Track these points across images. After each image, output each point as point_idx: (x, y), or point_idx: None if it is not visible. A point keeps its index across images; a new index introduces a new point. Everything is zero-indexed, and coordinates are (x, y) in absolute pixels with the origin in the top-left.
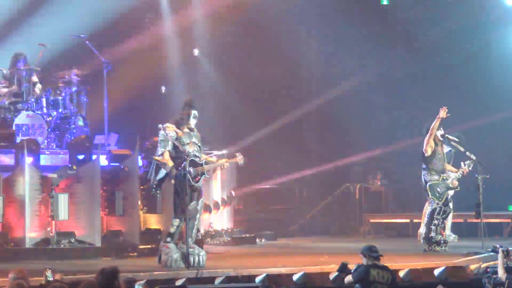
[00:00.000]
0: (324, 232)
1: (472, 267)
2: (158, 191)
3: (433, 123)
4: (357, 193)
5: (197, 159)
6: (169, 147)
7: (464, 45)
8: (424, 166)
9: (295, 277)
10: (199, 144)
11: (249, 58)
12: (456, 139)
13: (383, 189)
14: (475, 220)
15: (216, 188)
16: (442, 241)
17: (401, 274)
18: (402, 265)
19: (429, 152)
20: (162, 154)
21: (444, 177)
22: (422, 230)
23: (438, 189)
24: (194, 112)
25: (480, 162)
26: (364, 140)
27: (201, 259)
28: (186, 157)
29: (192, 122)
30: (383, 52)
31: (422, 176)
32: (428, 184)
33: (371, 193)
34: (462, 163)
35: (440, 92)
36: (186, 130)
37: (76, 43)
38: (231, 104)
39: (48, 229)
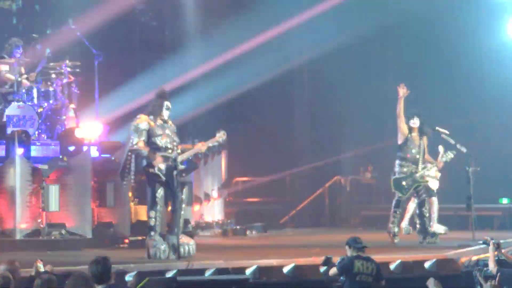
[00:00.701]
0: (314, 224)
1: (463, 259)
2: (132, 179)
3: (397, 106)
4: (348, 186)
5: (167, 152)
6: (143, 137)
7: (456, 38)
8: (397, 154)
9: (285, 269)
10: (173, 136)
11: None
12: (446, 132)
13: (374, 182)
14: (465, 213)
15: (207, 180)
16: (394, 234)
17: (392, 266)
18: (393, 258)
19: (401, 139)
20: (136, 144)
21: (413, 170)
22: (403, 224)
23: (404, 183)
24: (166, 104)
25: (471, 154)
26: (356, 133)
27: (191, 249)
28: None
29: (165, 113)
30: (374, 44)
31: (394, 167)
32: (392, 177)
33: (362, 186)
34: (440, 155)
35: (432, 85)
36: (159, 121)
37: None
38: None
39: (39, 220)
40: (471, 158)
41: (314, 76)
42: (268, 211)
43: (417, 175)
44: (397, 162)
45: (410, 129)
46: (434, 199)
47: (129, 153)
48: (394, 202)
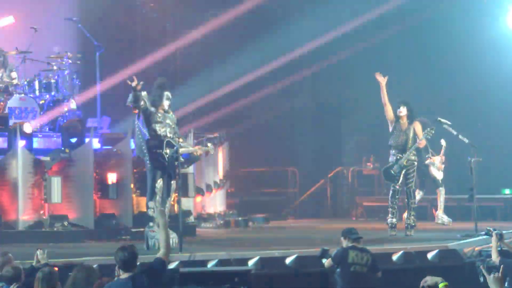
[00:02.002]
0: (316, 215)
1: (466, 250)
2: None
3: (381, 95)
4: (350, 176)
5: (172, 141)
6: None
7: (457, 27)
8: (388, 143)
9: (287, 260)
10: (173, 126)
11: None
12: (448, 122)
13: (376, 172)
14: (468, 204)
15: (208, 171)
16: (392, 226)
17: (394, 257)
18: (395, 248)
19: (390, 128)
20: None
21: (398, 156)
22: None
23: (392, 171)
24: (166, 94)
25: (473, 145)
26: (358, 123)
27: (171, 242)
28: (163, 137)
29: (166, 103)
30: (376, 30)
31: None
32: (382, 169)
33: (364, 176)
34: (442, 148)
35: (433, 75)
36: (160, 111)
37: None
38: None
39: (41, 212)
40: (473, 148)
41: (316, 66)
42: (270, 202)
43: (402, 160)
44: (390, 151)
45: (398, 117)
46: (442, 189)
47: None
48: (390, 192)
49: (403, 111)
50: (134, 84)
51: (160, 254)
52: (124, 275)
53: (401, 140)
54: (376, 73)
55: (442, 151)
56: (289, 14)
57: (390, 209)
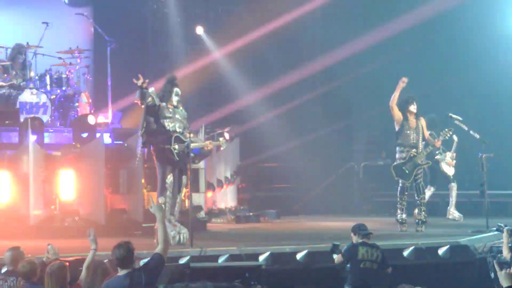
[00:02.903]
0: (327, 210)
1: (477, 246)
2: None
3: (393, 97)
4: (361, 172)
5: (181, 136)
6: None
7: (468, 23)
8: (396, 141)
9: (298, 256)
10: (183, 121)
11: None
12: (460, 118)
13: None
14: (479, 199)
15: (219, 167)
16: (402, 221)
17: (405, 253)
18: (406, 244)
19: (398, 126)
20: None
21: (413, 154)
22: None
23: (404, 168)
24: (176, 90)
25: (484, 141)
26: (369, 118)
27: (181, 237)
28: (172, 132)
29: (174, 99)
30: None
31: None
32: (392, 165)
33: (375, 172)
34: (454, 144)
35: (444, 70)
36: (170, 107)
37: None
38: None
39: (52, 207)
40: (484, 144)
41: (326, 59)
42: (281, 198)
43: (417, 158)
44: (397, 149)
45: (406, 114)
46: (454, 185)
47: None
48: (399, 189)
49: (415, 107)
50: (139, 83)
51: (158, 249)
52: (122, 272)
53: (412, 137)
54: (403, 78)
55: (454, 147)
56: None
57: (399, 205)
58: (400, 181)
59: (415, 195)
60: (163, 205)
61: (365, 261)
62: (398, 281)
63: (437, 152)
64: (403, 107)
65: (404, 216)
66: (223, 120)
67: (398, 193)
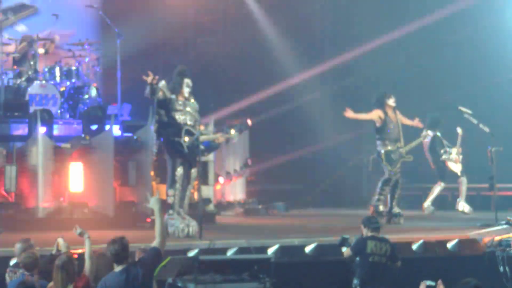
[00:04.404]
0: (336, 203)
1: (486, 240)
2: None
3: (359, 118)
4: (370, 165)
5: (191, 129)
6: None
7: (478, 20)
8: (377, 136)
9: (307, 249)
10: (194, 114)
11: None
12: (469, 111)
13: None
14: (488, 193)
15: (228, 159)
16: (385, 213)
17: (414, 246)
18: (415, 237)
19: (379, 123)
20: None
21: (398, 146)
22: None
23: (392, 156)
24: (187, 81)
25: (494, 134)
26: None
27: (190, 230)
28: (182, 125)
29: (186, 91)
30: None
31: (377, 147)
32: (382, 151)
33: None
34: (459, 137)
35: (452, 67)
36: (181, 99)
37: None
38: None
39: (61, 199)
40: (493, 138)
41: (335, 54)
42: (290, 191)
43: (402, 149)
44: (378, 142)
45: (386, 110)
46: (463, 179)
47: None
48: (382, 180)
49: (394, 100)
50: (149, 79)
51: (155, 243)
52: (117, 268)
53: (396, 132)
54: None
55: (459, 142)
56: None
57: (380, 197)
58: (385, 171)
59: (392, 189)
60: (172, 198)
61: (374, 255)
62: (406, 274)
63: (442, 151)
64: (381, 103)
65: (382, 208)
66: (233, 114)
67: (380, 183)
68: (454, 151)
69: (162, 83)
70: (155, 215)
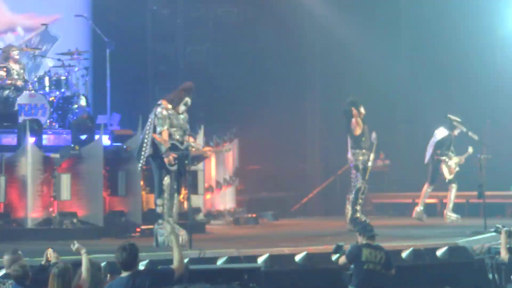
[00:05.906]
0: (326, 212)
1: (475, 247)
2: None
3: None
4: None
5: (178, 144)
6: (167, 125)
7: (467, 24)
8: (352, 145)
9: (297, 258)
10: (184, 125)
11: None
12: (458, 119)
13: (386, 169)
14: (477, 200)
15: (218, 168)
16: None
17: (404, 254)
18: (405, 245)
19: (358, 131)
20: (161, 133)
21: (366, 158)
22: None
23: (367, 165)
24: (187, 100)
25: (483, 142)
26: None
27: (180, 239)
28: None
29: (181, 108)
30: (388, 31)
31: (351, 156)
32: (359, 161)
33: (374, 173)
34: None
35: (445, 72)
36: (174, 112)
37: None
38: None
39: (50, 209)
40: (483, 145)
41: (325, 63)
42: (280, 199)
43: (369, 164)
44: (353, 151)
45: (363, 120)
46: (454, 186)
47: (147, 137)
48: (358, 189)
49: (363, 108)
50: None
51: (174, 266)
52: (124, 274)
53: (368, 141)
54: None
55: (464, 156)
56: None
57: (357, 207)
58: (359, 181)
59: (354, 195)
60: (161, 207)
61: (369, 262)
62: (396, 282)
63: (445, 152)
64: (356, 108)
65: (361, 215)
66: (222, 122)
67: (357, 194)
68: (455, 159)
69: (164, 113)
70: (173, 244)
